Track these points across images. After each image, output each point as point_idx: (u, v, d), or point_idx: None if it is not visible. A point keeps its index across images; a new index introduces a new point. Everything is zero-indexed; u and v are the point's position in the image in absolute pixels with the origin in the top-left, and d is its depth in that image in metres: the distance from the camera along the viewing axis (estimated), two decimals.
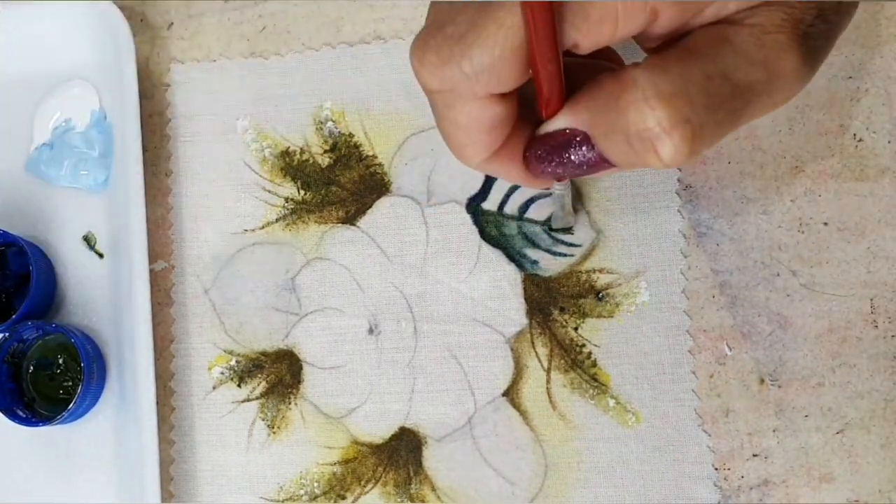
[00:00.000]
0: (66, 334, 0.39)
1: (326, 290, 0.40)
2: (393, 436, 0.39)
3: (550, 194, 0.38)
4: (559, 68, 0.25)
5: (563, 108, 0.27)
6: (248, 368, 0.41)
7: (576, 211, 0.39)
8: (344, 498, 0.39)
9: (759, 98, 0.25)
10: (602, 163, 0.27)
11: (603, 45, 0.25)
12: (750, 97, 0.25)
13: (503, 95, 0.27)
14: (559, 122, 0.27)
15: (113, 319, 0.41)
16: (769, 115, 0.38)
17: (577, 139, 0.27)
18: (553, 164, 0.28)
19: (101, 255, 0.42)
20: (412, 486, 0.39)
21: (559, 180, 0.33)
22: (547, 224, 0.39)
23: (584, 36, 0.25)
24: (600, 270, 0.38)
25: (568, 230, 0.39)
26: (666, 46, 0.26)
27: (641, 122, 0.24)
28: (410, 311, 0.40)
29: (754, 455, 0.37)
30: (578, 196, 0.39)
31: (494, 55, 0.24)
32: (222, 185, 0.42)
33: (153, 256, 0.42)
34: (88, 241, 0.42)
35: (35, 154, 0.43)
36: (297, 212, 0.41)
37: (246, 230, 0.42)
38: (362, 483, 0.39)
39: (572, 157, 0.27)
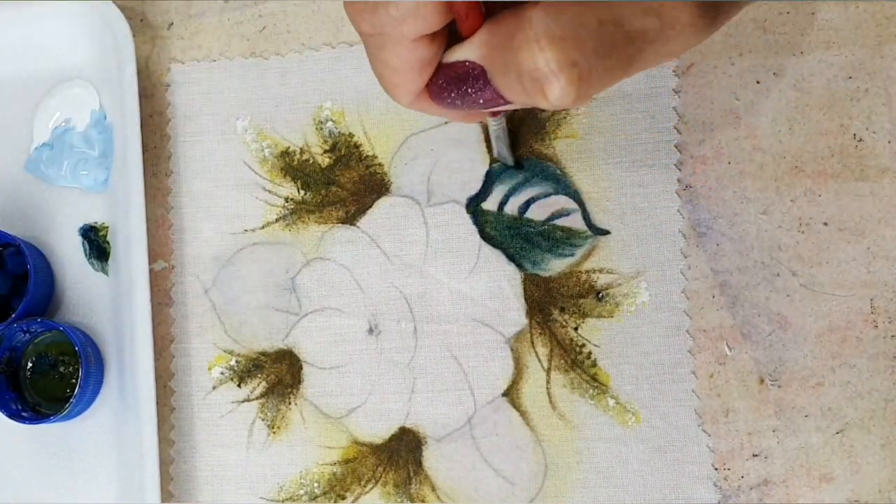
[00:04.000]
0: (61, 330, 0.39)
1: (326, 290, 0.40)
2: (393, 436, 0.39)
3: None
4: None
5: (466, 41, 0.27)
6: (248, 368, 0.41)
7: (518, 158, 0.39)
8: (344, 498, 0.39)
9: (652, 46, 0.25)
10: (498, 98, 0.27)
11: None
12: (642, 45, 0.25)
13: (431, 37, 0.27)
14: (460, 54, 0.27)
15: (113, 319, 0.41)
16: (769, 116, 0.38)
17: (475, 73, 0.27)
18: (453, 95, 0.28)
19: (100, 258, 0.42)
20: (412, 486, 0.39)
21: (492, 119, 0.35)
22: (548, 221, 0.39)
23: None
24: (600, 270, 0.38)
25: (508, 167, 0.40)
26: None
27: (531, 61, 0.25)
28: (410, 311, 0.40)
29: (754, 455, 0.37)
30: (577, 195, 0.39)
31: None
32: (222, 185, 0.42)
33: (153, 256, 0.42)
34: (92, 241, 0.42)
35: (35, 154, 0.43)
36: (297, 212, 0.41)
37: (246, 230, 0.41)
38: (362, 483, 0.39)
39: (470, 91, 0.27)
